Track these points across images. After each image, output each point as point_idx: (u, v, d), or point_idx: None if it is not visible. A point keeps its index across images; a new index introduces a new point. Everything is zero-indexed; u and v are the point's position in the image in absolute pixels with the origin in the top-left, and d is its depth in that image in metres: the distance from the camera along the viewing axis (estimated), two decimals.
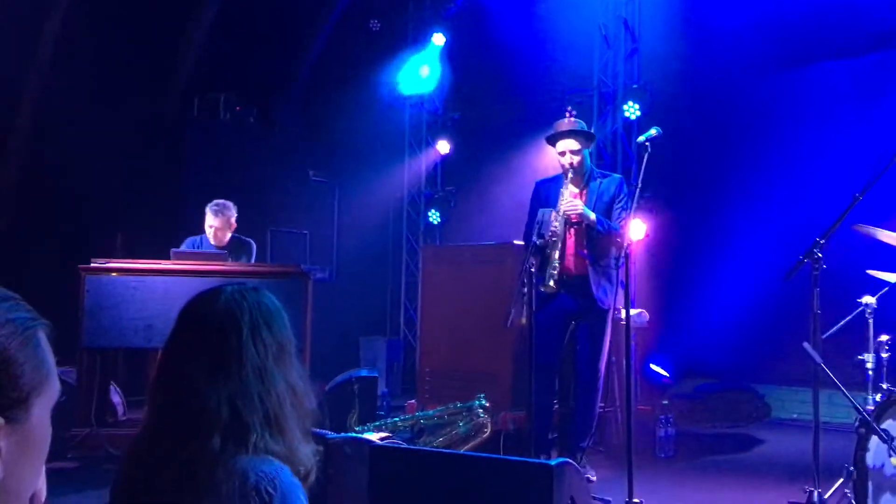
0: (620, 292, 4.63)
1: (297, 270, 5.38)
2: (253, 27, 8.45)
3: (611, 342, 5.01)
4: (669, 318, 7.10)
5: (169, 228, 6.95)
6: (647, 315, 6.09)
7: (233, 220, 5.69)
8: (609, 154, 7.90)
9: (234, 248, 5.70)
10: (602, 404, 5.20)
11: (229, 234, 5.69)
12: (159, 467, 1.43)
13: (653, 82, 7.64)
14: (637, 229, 7.17)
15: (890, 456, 2.98)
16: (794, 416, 6.58)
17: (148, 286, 5.12)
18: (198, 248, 5.69)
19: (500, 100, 9.04)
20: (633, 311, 6.06)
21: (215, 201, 5.66)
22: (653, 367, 6.36)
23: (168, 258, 5.39)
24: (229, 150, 8.22)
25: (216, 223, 5.62)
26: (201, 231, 5.72)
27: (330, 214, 9.36)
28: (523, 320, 4.48)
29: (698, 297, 7.20)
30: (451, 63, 9.30)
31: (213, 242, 5.68)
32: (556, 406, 5.16)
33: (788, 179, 6.96)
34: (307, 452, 1.52)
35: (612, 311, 4.92)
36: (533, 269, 4.37)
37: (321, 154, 9.23)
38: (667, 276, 7.41)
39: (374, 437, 4.17)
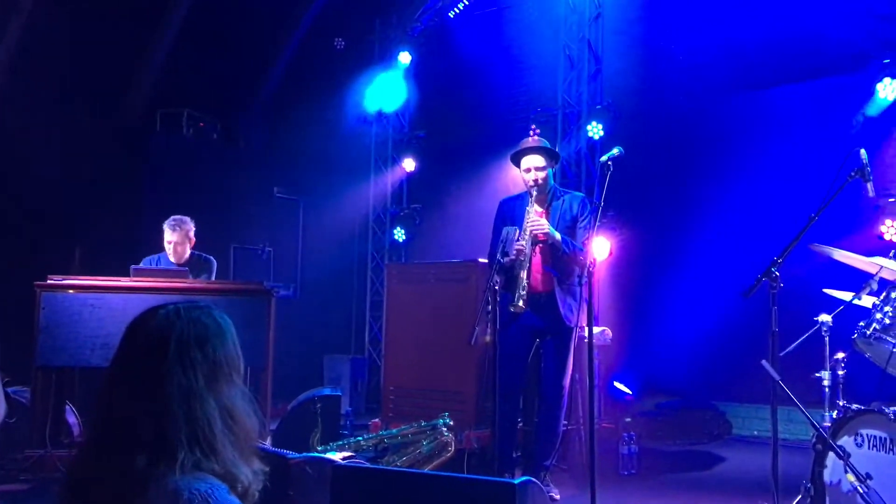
0: (584, 310, 4.65)
1: (260, 288, 5.32)
2: (217, 42, 8.40)
3: (575, 360, 5.03)
4: (633, 336, 7.16)
5: (128, 245, 6.83)
6: (610, 333, 6.13)
7: (191, 234, 5.62)
8: (573, 173, 7.98)
9: (195, 265, 5.62)
10: (566, 422, 5.21)
11: (189, 250, 5.62)
12: (93, 486, 1.44)
13: (616, 103, 7.74)
14: (601, 248, 7.24)
15: (846, 472, 3.03)
16: (755, 433, 6.67)
17: (106, 303, 5.01)
18: (156, 266, 5.60)
19: (466, 119, 9.10)
20: (596, 329, 6.11)
21: (172, 217, 5.61)
22: (616, 384, 6.39)
23: (127, 275, 5.29)
24: (192, 165, 8.12)
25: (174, 238, 5.55)
26: (162, 249, 5.63)
27: (294, 231, 9.29)
28: (487, 338, 4.48)
29: (661, 315, 7.28)
30: (418, 82, 9.34)
31: (172, 259, 5.59)
32: (521, 424, 5.15)
33: (748, 199, 7.10)
34: (246, 471, 1.51)
35: (576, 328, 4.94)
36: (497, 287, 4.38)
37: (286, 170, 9.17)
38: (630, 294, 7.48)
39: (336, 456, 4.11)
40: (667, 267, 7.38)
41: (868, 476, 2.95)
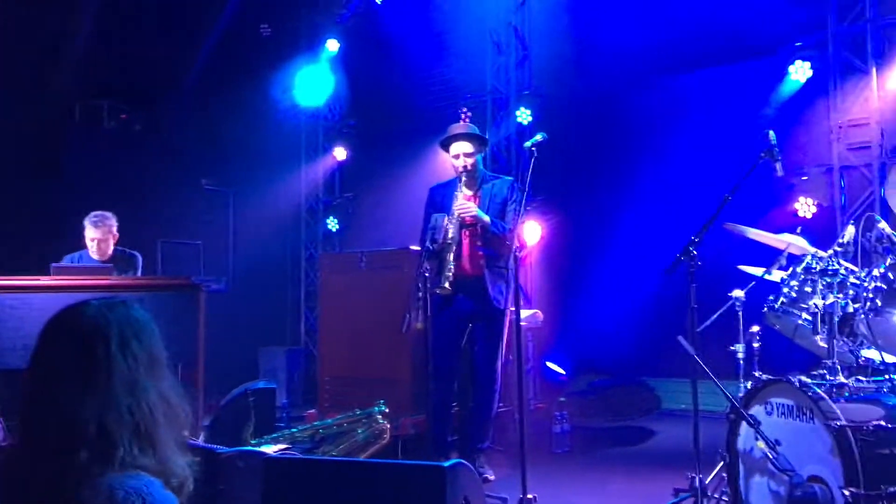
0: (515, 292, 4.74)
1: (188, 283, 5.23)
2: (138, 29, 8.15)
3: (507, 342, 5.12)
4: (565, 318, 7.31)
5: (48, 243, 6.59)
6: (541, 315, 6.26)
7: (114, 230, 5.49)
8: (504, 158, 8.07)
9: (119, 261, 5.49)
10: (500, 404, 5.30)
11: (112, 246, 5.48)
12: (26, 486, 1.41)
13: (544, 89, 7.85)
14: (532, 232, 7.37)
15: (756, 440, 3.18)
16: (683, 406, 6.90)
17: (26, 304, 4.85)
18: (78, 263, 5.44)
19: (397, 106, 9.07)
20: (528, 312, 6.23)
21: (93, 213, 5.46)
22: (549, 365, 6.53)
23: (48, 274, 5.13)
24: (115, 158, 7.89)
25: (97, 234, 5.41)
26: (83, 247, 5.47)
27: (225, 224, 9.14)
28: (419, 325, 4.52)
29: (592, 295, 7.45)
30: (346, 69, 9.27)
31: (95, 256, 5.45)
32: (456, 408, 5.23)
33: (670, 181, 7.30)
34: (181, 464, 1.52)
35: (507, 311, 5.02)
36: (428, 274, 4.41)
37: (214, 162, 8.99)
38: (562, 276, 7.63)
39: (270, 449, 4.10)
40: (596, 249, 7.55)
41: (777, 442, 3.11)
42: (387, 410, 4.95)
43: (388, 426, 4.90)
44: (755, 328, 4.21)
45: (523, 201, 4.39)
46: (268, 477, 2.94)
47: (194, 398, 4.98)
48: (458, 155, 4.86)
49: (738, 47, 7.48)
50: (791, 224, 5.30)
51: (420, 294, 4.39)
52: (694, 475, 3.78)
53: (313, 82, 9.06)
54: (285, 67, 9.07)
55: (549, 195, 7.54)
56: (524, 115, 7.71)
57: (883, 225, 3.47)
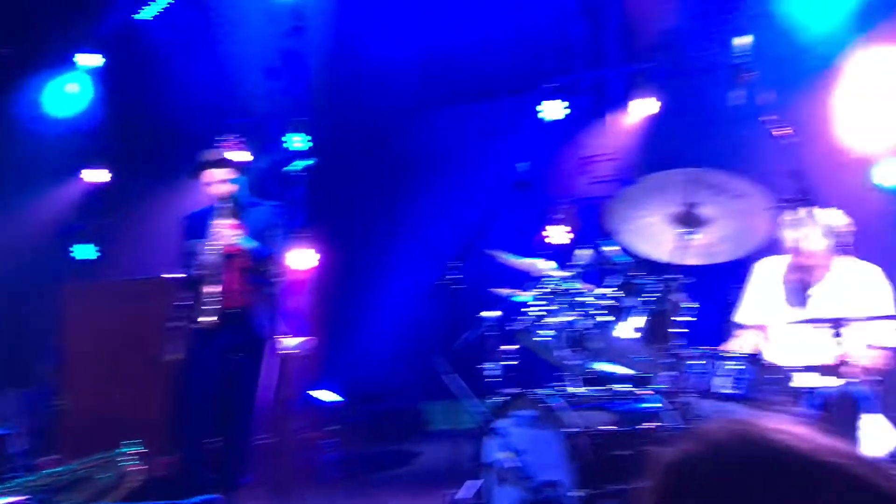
0: (281, 320, 4.65)
1: None
2: None
3: (271, 371, 4.98)
4: (340, 344, 7.28)
5: None
6: (310, 342, 6.17)
7: None
8: (276, 185, 7.92)
9: None
10: (265, 436, 5.14)
11: None
12: None
13: (319, 116, 7.84)
14: (307, 258, 7.29)
15: (501, 450, 3.35)
16: (448, 427, 7.11)
17: None
18: None
19: (163, 127, 8.61)
20: (297, 340, 6.13)
21: None
22: (320, 393, 6.45)
23: None
24: None
25: None
26: None
27: None
28: (173, 356, 4.28)
29: (367, 322, 7.51)
30: (106, 88, 8.64)
31: None
32: (214, 443, 4.97)
33: (439, 209, 7.60)
34: None
35: (272, 340, 4.90)
36: (185, 304, 4.22)
37: None
38: (335, 303, 7.60)
39: (1, 501, 3.65)
40: (369, 275, 7.63)
41: (520, 452, 3.30)
42: (137, 451, 4.60)
43: (139, 467, 4.55)
44: (508, 347, 4.45)
45: (288, 226, 4.34)
46: None
47: None
48: (214, 182, 4.69)
49: (500, 84, 8.03)
50: (547, 250, 5.72)
51: (176, 325, 4.18)
52: (451, 491, 3.90)
53: (66, 98, 8.36)
54: (36, 85, 8.28)
55: (325, 222, 7.51)
56: (298, 141, 7.63)
57: (610, 248, 3.82)
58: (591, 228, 7.48)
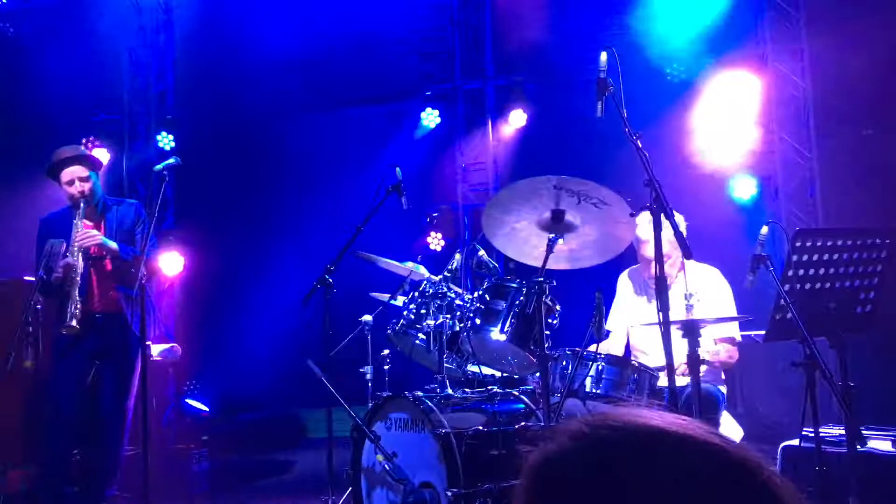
0: (149, 325, 4.46)
1: None
2: None
3: (141, 379, 4.76)
4: (210, 352, 7.06)
5: None
6: (179, 349, 5.96)
7: None
8: (142, 185, 7.61)
9: None
10: (131, 447, 4.91)
11: None
12: None
13: (190, 115, 7.60)
14: (173, 263, 7.03)
15: (376, 454, 3.37)
16: (325, 434, 7.05)
17: None
18: None
19: (23, 120, 8.06)
20: (164, 346, 5.90)
21: None
22: (190, 402, 6.23)
23: None
24: None
25: None
26: None
27: None
28: (28, 363, 4.03)
29: (240, 327, 7.31)
30: None
31: None
32: (77, 456, 4.70)
33: (314, 212, 7.53)
34: None
35: (141, 346, 4.68)
36: (39, 307, 3.98)
37: None
38: (207, 309, 7.38)
39: None
40: (243, 281, 7.45)
41: (394, 454, 3.32)
42: None
43: None
44: (385, 351, 4.48)
45: (152, 224, 4.20)
46: None
47: None
48: (73, 181, 4.44)
49: (378, 91, 8.06)
50: (426, 255, 5.79)
51: (30, 329, 3.94)
52: (327, 498, 3.88)
53: None
54: None
55: (194, 224, 7.27)
56: (166, 140, 7.37)
57: (482, 253, 3.93)
58: (466, 233, 7.68)
